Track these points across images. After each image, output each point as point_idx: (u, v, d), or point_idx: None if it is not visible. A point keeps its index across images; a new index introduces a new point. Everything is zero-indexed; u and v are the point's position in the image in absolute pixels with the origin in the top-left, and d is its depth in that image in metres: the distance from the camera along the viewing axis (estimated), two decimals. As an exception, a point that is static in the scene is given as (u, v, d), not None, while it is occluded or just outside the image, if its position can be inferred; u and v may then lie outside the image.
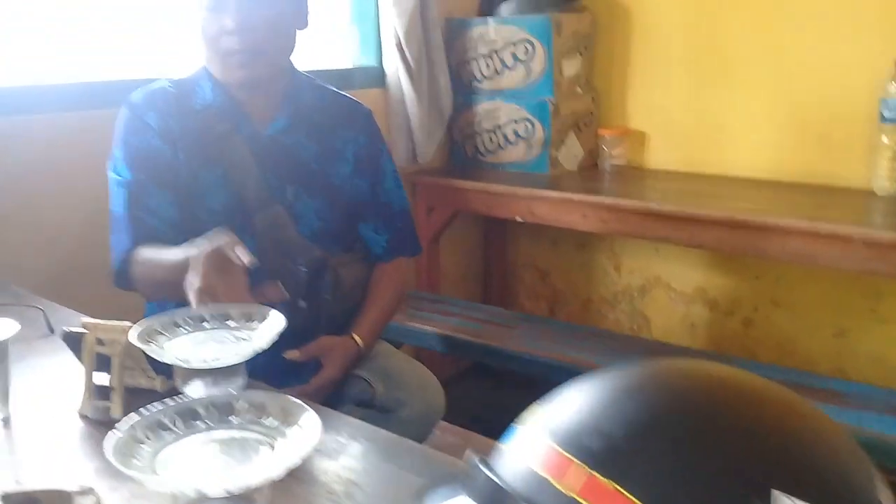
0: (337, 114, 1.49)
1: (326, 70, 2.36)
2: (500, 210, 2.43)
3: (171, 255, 1.15)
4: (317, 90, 1.48)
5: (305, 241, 1.33)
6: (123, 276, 1.33)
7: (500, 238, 2.94)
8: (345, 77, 2.43)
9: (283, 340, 1.34)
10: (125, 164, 1.36)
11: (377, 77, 2.51)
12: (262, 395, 0.69)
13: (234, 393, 0.76)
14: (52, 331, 1.21)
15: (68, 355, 1.06)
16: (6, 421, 0.94)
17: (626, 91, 2.59)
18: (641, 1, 2.49)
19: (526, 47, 2.42)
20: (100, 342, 0.96)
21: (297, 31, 1.41)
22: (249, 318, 0.94)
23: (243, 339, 0.91)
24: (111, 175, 1.37)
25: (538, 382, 2.19)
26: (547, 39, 2.38)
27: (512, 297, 2.99)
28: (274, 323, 0.91)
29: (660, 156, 2.56)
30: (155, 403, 0.67)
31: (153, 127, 1.36)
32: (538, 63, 2.41)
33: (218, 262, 1.03)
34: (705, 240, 2.01)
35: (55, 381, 1.06)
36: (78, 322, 1.23)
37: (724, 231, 1.93)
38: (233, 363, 0.86)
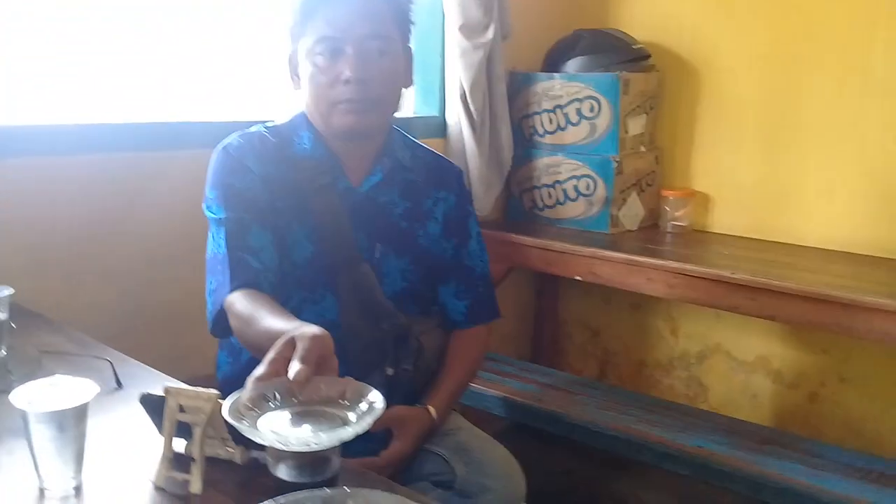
0: (429, 172, 1.44)
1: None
2: (559, 268, 2.37)
3: (268, 322, 1.05)
4: (410, 147, 1.45)
5: (391, 305, 1.27)
6: (220, 325, 1.24)
7: (552, 294, 2.87)
8: (405, 126, 2.38)
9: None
10: (222, 204, 1.29)
11: (438, 127, 2.48)
12: (381, 498, 0.63)
13: (348, 490, 0.69)
14: (119, 384, 1.16)
15: (138, 412, 1.01)
16: (77, 490, 0.89)
17: (690, 152, 2.53)
18: (712, 62, 2.45)
19: (592, 104, 2.38)
20: (182, 409, 0.90)
21: (403, 89, 1.38)
22: (342, 395, 0.88)
23: (339, 416, 0.85)
24: (208, 215, 1.32)
25: (583, 445, 2.12)
26: (614, 97, 2.34)
27: (561, 355, 2.91)
28: (375, 403, 0.85)
29: (724, 220, 2.49)
30: (267, 502, 0.61)
31: (252, 170, 1.31)
32: (603, 120, 2.37)
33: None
34: (782, 313, 1.93)
35: (126, 445, 1.00)
36: (147, 376, 1.19)
37: (805, 305, 1.84)
38: (332, 446, 0.79)
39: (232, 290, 1.20)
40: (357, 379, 0.91)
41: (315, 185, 1.32)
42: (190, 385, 1.09)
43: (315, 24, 1.28)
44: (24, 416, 0.83)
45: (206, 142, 1.74)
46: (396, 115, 1.40)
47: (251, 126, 1.39)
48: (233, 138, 1.34)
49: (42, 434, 0.83)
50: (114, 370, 1.17)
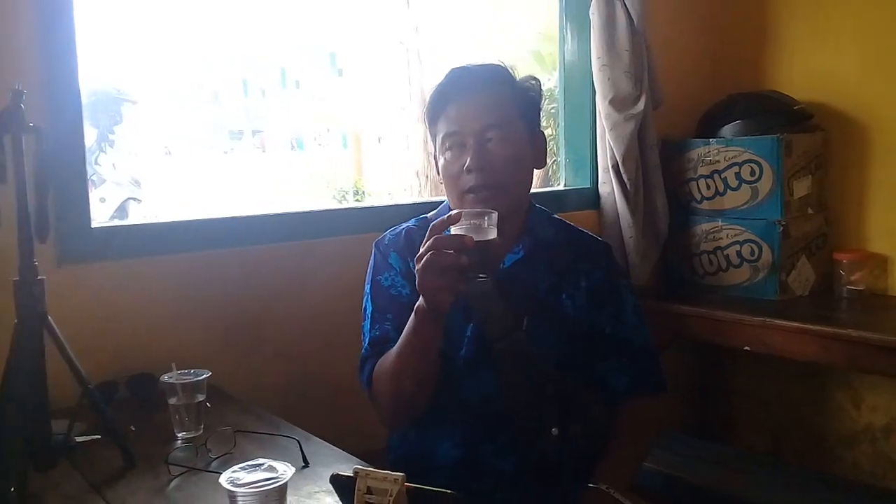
0: (574, 248, 1.50)
1: (538, 192, 2.37)
2: (725, 338, 2.28)
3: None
4: (554, 225, 1.52)
5: (552, 368, 1.29)
6: (372, 398, 1.42)
7: (716, 364, 2.75)
8: (557, 199, 2.43)
9: (531, 472, 1.31)
10: (372, 303, 1.45)
11: (590, 199, 2.49)
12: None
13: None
14: (306, 463, 1.23)
15: (324, 490, 1.11)
16: (277, 565, 0.94)
17: (863, 212, 2.39)
18: (882, 117, 2.32)
19: (752, 168, 2.31)
20: (369, 491, 0.94)
21: (535, 170, 1.46)
22: None
23: None
24: (364, 306, 1.46)
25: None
26: (776, 160, 2.27)
27: (730, 428, 2.77)
28: None
29: (906, 282, 2.32)
30: None
31: (395, 267, 1.44)
32: (766, 184, 2.29)
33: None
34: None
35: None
36: (330, 454, 1.26)
37: None
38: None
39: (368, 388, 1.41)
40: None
41: None
42: (368, 461, 1.15)
43: (442, 123, 1.42)
44: (232, 496, 0.90)
45: (368, 227, 1.87)
46: (532, 191, 1.49)
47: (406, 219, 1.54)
48: (385, 236, 1.50)
49: (249, 512, 0.90)
50: (301, 449, 1.24)
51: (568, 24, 2.51)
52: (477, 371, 1.37)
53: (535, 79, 1.48)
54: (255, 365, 1.79)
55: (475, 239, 1.17)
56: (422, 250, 1.18)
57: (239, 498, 0.90)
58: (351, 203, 2.11)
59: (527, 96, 1.45)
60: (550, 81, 3.23)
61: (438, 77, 1.46)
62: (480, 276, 1.19)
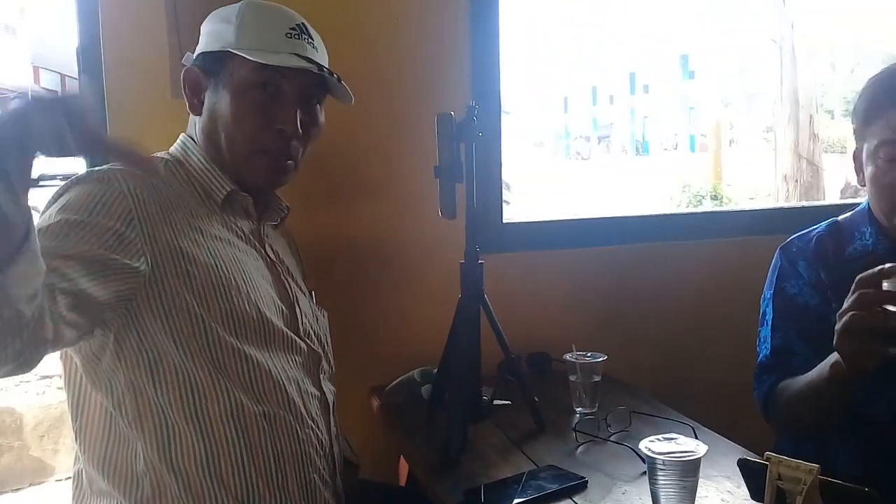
0: None
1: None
2: None
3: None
4: None
5: None
6: (766, 413, 1.40)
7: None
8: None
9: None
10: (774, 309, 1.42)
11: None
12: None
13: None
14: (698, 449, 1.31)
15: (716, 473, 1.19)
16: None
17: None
18: None
19: None
20: (780, 477, 1.00)
21: None
22: None
23: None
24: (764, 311, 1.45)
25: None
26: None
27: None
28: None
29: None
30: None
31: (803, 276, 1.40)
32: None
33: None
34: None
35: (715, 501, 1.13)
36: (719, 444, 1.32)
37: None
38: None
39: (771, 388, 1.37)
40: None
41: None
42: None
43: (877, 128, 1.30)
44: (652, 462, 1.02)
45: (723, 231, 1.94)
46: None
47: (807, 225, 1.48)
48: (791, 242, 1.46)
49: (668, 479, 1.01)
50: (695, 435, 1.32)
51: None
52: (886, 386, 1.31)
53: None
54: (636, 355, 1.91)
55: None
56: (846, 305, 1.10)
57: (660, 465, 1.01)
58: (722, 207, 2.13)
59: None
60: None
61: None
62: None
